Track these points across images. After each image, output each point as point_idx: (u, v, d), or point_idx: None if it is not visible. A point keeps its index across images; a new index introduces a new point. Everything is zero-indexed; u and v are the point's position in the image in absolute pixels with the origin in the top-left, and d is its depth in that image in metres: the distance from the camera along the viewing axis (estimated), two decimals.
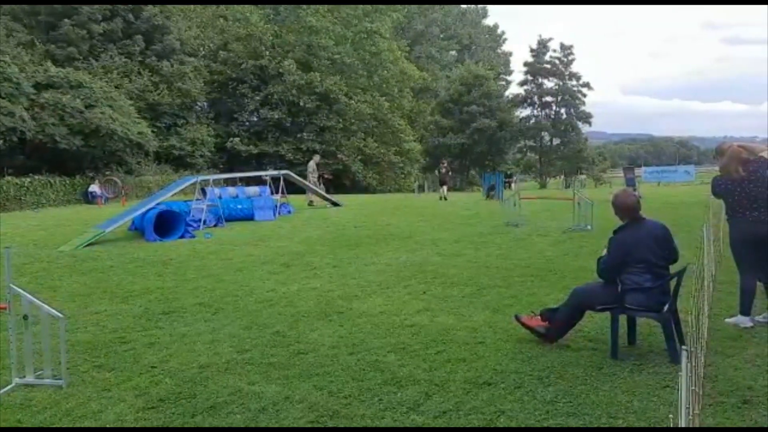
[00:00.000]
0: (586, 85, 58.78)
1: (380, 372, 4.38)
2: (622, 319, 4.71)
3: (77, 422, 3.65)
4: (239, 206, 16.00)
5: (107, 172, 29.59)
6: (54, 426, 3.61)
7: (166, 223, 12.37)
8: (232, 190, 18.09)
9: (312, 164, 22.29)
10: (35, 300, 4.23)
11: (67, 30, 31.53)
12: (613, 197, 4.88)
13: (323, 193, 21.75)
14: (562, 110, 58.80)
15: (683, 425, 2.10)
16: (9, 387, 4.17)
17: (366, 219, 15.42)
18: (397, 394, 3.98)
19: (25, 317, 4.20)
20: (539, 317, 5.00)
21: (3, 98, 23.70)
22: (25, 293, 4.21)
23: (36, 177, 25.81)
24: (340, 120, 39.76)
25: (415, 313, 5.99)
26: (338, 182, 38.54)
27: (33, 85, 25.98)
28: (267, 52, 38.40)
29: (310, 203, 20.91)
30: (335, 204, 20.14)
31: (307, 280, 7.75)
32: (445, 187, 24.61)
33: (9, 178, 24.81)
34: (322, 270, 8.46)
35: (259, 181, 21.55)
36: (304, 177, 21.72)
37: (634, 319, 4.85)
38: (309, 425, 3.55)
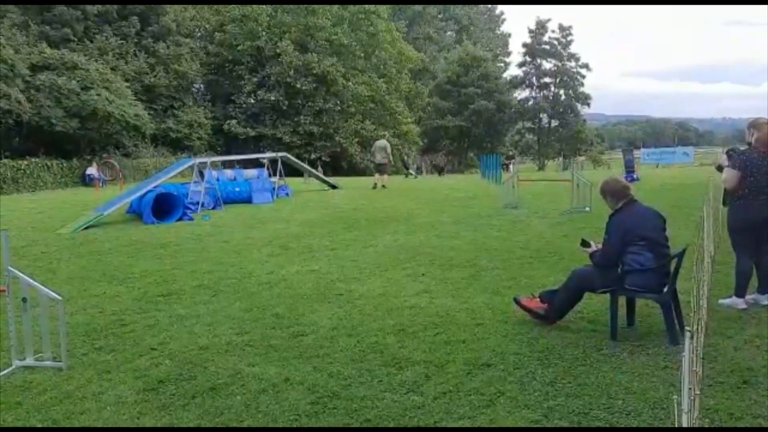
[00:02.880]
0: (585, 66, 58.56)
1: (380, 353, 4.39)
2: (622, 300, 4.71)
3: (77, 404, 3.65)
4: (237, 189, 15.96)
5: (104, 155, 29.48)
6: (54, 408, 3.62)
7: (164, 206, 12.34)
8: (229, 172, 18.03)
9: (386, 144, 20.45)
10: (34, 282, 4.22)
11: (61, 11, 31.22)
12: (602, 184, 4.86)
13: (321, 175, 21.71)
14: (561, 92, 58.60)
15: (686, 406, 2.10)
16: (9, 369, 4.17)
17: (364, 201, 15.40)
18: (396, 375, 3.99)
19: (24, 300, 4.19)
20: (538, 299, 5.00)
21: None
22: (23, 276, 4.20)
23: (33, 160, 25.70)
24: (338, 102, 39.57)
25: (414, 295, 5.99)
26: (336, 165, 38.49)
27: (28, 67, 25.76)
28: (263, 33, 38.09)
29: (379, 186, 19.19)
30: (333, 186, 20.10)
31: (305, 263, 7.74)
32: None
33: (6, 161, 24.69)
34: (320, 252, 8.46)
35: (256, 164, 21.49)
36: (302, 159, 21.67)
37: (634, 300, 4.85)
38: (309, 406, 3.56)
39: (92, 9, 32.24)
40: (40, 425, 3.42)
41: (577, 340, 4.56)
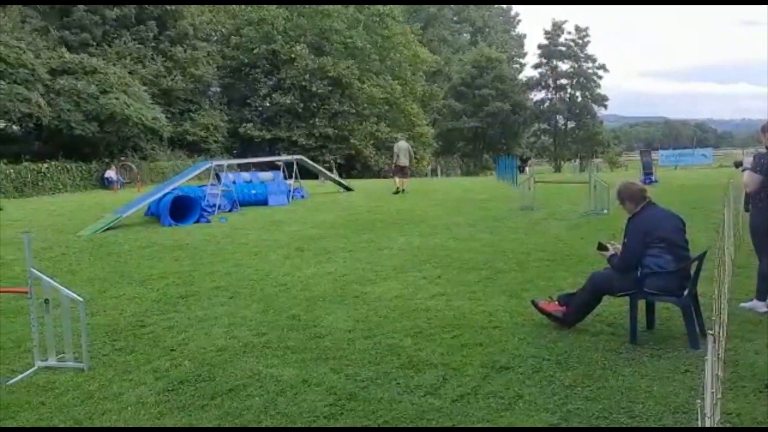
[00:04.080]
0: (602, 67, 58.19)
1: (397, 356, 4.39)
2: (641, 303, 4.67)
3: (99, 404, 3.70)
4: (253, 191, 16.04)
5: (123, 158, 29.77)
6: (76, 408, 3.66)
7: (182, 208, 12.43)
8: (245, 175, 18.13)
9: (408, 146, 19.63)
10: (56, 284, 4.27)
11: (80, 16, 31.60)
12: (618, 189, 4.82)
13: (336, 177, 21.75)
14: (577, 93, 58.28)
15: (708, 410, 2.08)
16: (32, 370, 4.23)
17: (379, 203, 15.41)
18: (414, 377, 3.99)
19: (46, 301, 4.24)
20: (556, 302, 4.97)
21: (19, 84, 23.83)
22: (45, 277, 4.25)
23: (53, 163, 26.01)
24: (353, 105, 39.62)
25: (430, 298, 5.99)
26: (350, 167, 38.54)
27: (48, 71, 26.10)
28: (279, 37, 38.26)
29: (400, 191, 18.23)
30: (348, 189, 20.13)
31: (321, 265, 7.76)
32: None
33: (26, 164, 25.02)
34: (336, 254, 8.47)
35: (272, 166, 21.59)
36: (317, 162, 21.64)
37: (653, 303, 4.81)
38: (327, 408, 3.57)
39: (111, 14, 32.59)
40: (62, 425, 3.46)
41: (596, 343, 4.53)
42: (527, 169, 38.39)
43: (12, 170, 24.20)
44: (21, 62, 24.27)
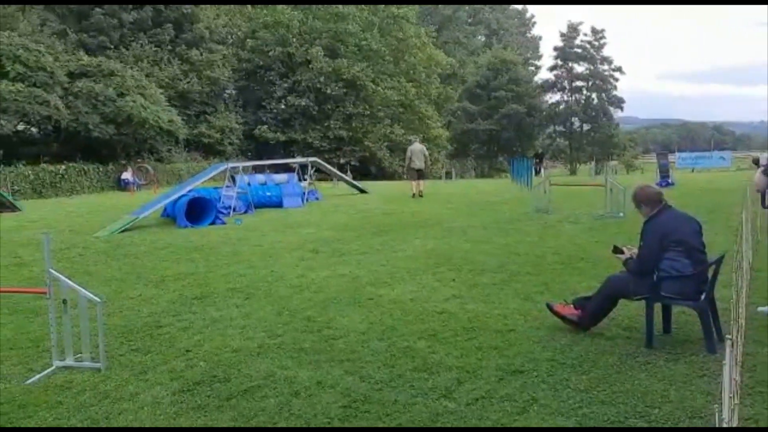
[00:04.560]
0: (618, 69, 57.92)
1: (411, 358, 4.39)
2: (657, 307, 4.63)
3: (116, 404, 3.73)
4: (268, 193, 16.12)
5: (139, 160, 30.05)
6: (93, 407, 3.70)
7: (197, 210, 12.52)
8: (260, 177, 18.23)
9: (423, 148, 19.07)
10: (74, 284, 4.31)
11: (98, 19, 31.96)
12: (634, 193, 4.78)
13: (350, 179, 21.80)
14: (593, 95, 58.04)
15: (726, 415, 2.07)
16: (50, 369, 4.27)
17: (393, 206, 15.42)
18: (428, 380, 3.98)
19: (65, 301, 4.29)
20: (572, 305, 4.95)
21: (38, 87, 24.14)
22: (63, 278, 4.30)
23: (71, 164, 26.31)
24: (367, 107, 39.71)
25: (444, 300, 5.98)
26: (364, 169, 38.61)
27: (67, 74, 26.41)
28: (294, 39, 38.45)
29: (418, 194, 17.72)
30: (362, 191, 20.17)
31: (336, 267, 7.77)
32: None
33: (45, 165, 25.34)
34: (350, 256, 8.49)
35: (286, 168, 21.69)
36: (332, 164, 21.64)
37: (669, 307, 4.77)
38: (341, 410, 3.57)
39: (128, 17, 32.94)
40: (79, 425, 3.49)
41: (611, 347, 4.50)
42: (542, 169, 38.21)
43: (31, 172, 24.53)
44: (40, 65, 24.59)
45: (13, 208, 16.98)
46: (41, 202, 21.07)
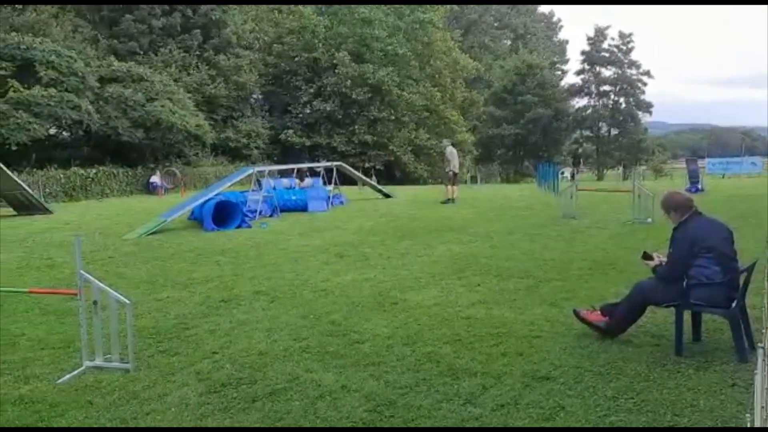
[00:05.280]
0: (647, 73, 57.20)
1: (436, 363, 4.38)
2: (687, 314, 4.56)
3: (144, 404, 3.78)
4: (293, 197, 16.23)
5: (167, 164, 30.46)
6: (122, 407, 3.75)
7: (224, 213, 12.65)
8: (285, 181, 18.36)
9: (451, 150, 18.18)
10: (104, 286, 4.39)
11: (128, 25, 32.54)
12: (663, 199, 4.72)
13: (375, 184, 21.83)
14: (621, 99, 57.38)
15: (758, 424, 2.03)
16: (80, 369, 4.35)
17: (418, 210, 15.41)
18: (453, 385, 3.97)
19: (95, 303, 4.37)
20: (599, 312, 4.89)
21: (70, 92, 24.63)
22: (94, 280, 4.38)
23: (101, 168, 26.78)
24: (392, 111, 39.76)
25: (470, 306, 5.95)
26: (389, 174, 38.65)
27: (97, 79, 26.92)
28: (320, 45, 38.70)
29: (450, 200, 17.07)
30: (387, 195, 20.18)
31: (360, 271, 7.79)
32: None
33: (75, 168, 25.81)
34: (375, 261, 8.50)
35: (312, 173, 21.80)
36: (357, 168, 21.64)
37: (699, 314, 4.69)
38: (366, 414, 3.58)
39: (157, 23, 33.47)
40: (109, 424, 3.55)
41: (639, 355, 4.44)
42: (576, 174, 37.90)
43: (62, 175, 25.00)
44: (72, 71, 25.09)
45: (45, 210, 17.34)
46: (72, 205, 21.48)
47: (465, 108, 49.43)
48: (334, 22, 39.95)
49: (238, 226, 12.48)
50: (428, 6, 41.54)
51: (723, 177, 34.80)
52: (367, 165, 37.09)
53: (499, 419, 3.48)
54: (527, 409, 3.60)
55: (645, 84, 57.20)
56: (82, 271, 4.36)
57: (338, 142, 38.35)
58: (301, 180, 19.57)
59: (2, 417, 3.67)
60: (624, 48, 56.92)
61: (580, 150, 60.26)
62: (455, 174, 17.66)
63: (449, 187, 17.46)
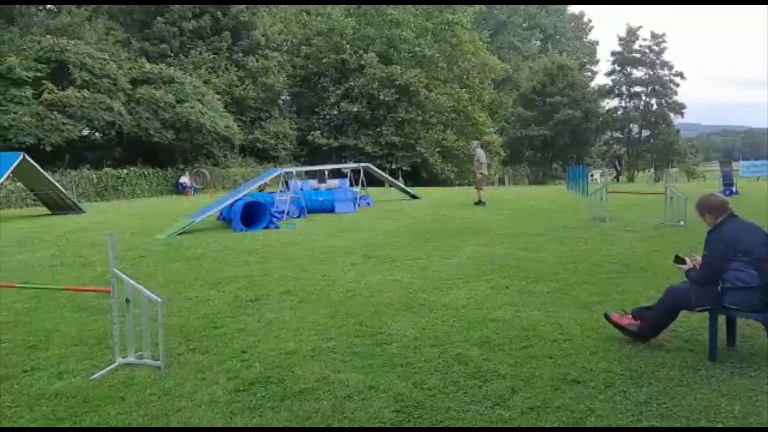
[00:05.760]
0: (679, 74, 56.23)
1: (464, 365, 4.35)
2: (721, 319, 4.47)
3: (174, 401, 3.83)
4: (320, 198, 16.29)
5: (196, 164, 30.84)
6: (153, 404, 3.81)
7: (252, 214, 12.75)
8: (313, 182, 18.43)
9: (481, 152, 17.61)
10: (137, 285, 4.45)
11: (159, 27, 33.07)
12: (698, 201, 4.62)
13: (402, 185, 21.81)
14: (653, 101, 56.49)
15: None
16: (113, 366, 4.42)
17: (445, 212, 15.36)
18: (481, 388, 3.94)
19: (127, 300, 4.43)
20: (630, 316, 4.81)
21: (102, 94, 25.10)
22: (127, 278, 4.45)
23: (132, 169, 27.25)
24: (419, 113, 39.75)
25: (498, 308, 5.91)
26: (416, 175, 38.62)
27: (129, 81, 27.39)
28: (348, 46, 38.84)
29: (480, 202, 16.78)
30: (414, 197, 20.16)
31: (388, 272, 7.79)
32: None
33: (107, 169, 26.31)
34: (402, 262, 8.49)
35: (338, 174, 21.87)
36: (384, 170, 21.62)
37: (734, 319, 4.59)
38: (394, 414, 3.58)
39: (188, 25, 33.95)
40: (140, 419, 3.60)
41: (672, 359, 4.36)
42: (598, 177, 37.49)
43: (94, 175, 25.51)
44: (105, 73, 25.58)
45: (78, 210, 17.69)
46: (104, 205, 21.88)
47: (493, 109, 49.20)
48: (362, 23, 40.06)
49: (266, 227, 12.57)
50: (457, 7, 41.44)
51: (758, 179, 34.03)
52: (394, 166, 37.13)
53: (528, 422, 3.45)
54: (557, 412, 3.56)
55: (677, 85, 56.26)
56: (115, 270, 4.44)
57: (365, 143, 38.45)
58: (321, 182, 19.45)
59: (38, 411, 3.75)
60: (656, 48, 56.04)
61: (610, 151, 59.48)
62: (484, 175, 17.41)
63: (483, 190, 17.11)
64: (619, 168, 36.71)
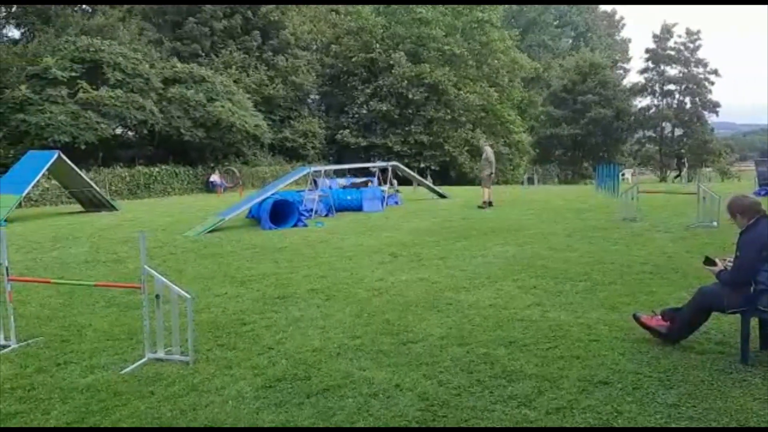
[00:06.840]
0: (714, 72, 55.05)
1: (490, 365, 4.34)
2: (753, 321, 4.38)
3: (202, 397, 3.89)
4: (348, 197, 16.34)
5: (226, 163, 31.18)
6: (181, 399, 3.87)
7: (280, 212, 12.85)
8: (342, 181, 18.50)
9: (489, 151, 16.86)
10: (167, 281, 4.53)
11: (191, 27, 33.53)
12: (729, 202, 4.53)
13: (430, 184, 21.77)
14: (686, 99, 55.40)
15: None
16: (143, 361, 4.51)
17: (473, 211, 15.28)
18: (507, 387, 3.93)
19: (157, 297, 4.51)
20: (660, 317, 4.74)
21: (135, 93, 25.53)
22: (157, 274, 4.52)
23: (163, 167, 27.67)
24: (448, 111, 39.60)
25: (525, 308, 5.87)
26: (444, 174, 38.50)
27: (161, 81, 27.81)
28: (377, 45, 38.88)
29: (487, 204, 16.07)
30: (442, 196, 20.11)
31: (415, 271, 7.78)
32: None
33: (139, 167, 26.77)
34: (429, 261, 8.48)
35: (366, 173, 21.92)
36: (412, 169, 21.55)
37: (767, 322, 4.49)
38: (419, 413, 3.58)
39: (218, 25, 34.35)
40: (169, 414, 3.66)
41: (702, 362, 4.28)
42: (628, 176, 36.93)
43: (127, 173, 25.97)
44: (137, 72, 26.01)
45: (111, 207, 18.03)
46: (136, 203, 22.26)
47: (523, 108, 48.78)
48: (392, 22, 40.06)
49: (295, 225, 12.66)
50: (486, 5, 41.19)
51: None
52: (422, 165, 37.07)
53: (555, 423, 3.42)
54: (583, 413, 3.52)
55: (712, 83, 55.11)
56: (146, 266, 4.52)
57: (394, 142, 38.45)
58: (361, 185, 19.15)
59: (70, 404, 3.84)
60: (691, 46, 54.96)
61: (641, 150, 58.52)
62: (490, 176, 16.48)
63: (489, 189, 16.34)
64: (680, 167, 35.91)
